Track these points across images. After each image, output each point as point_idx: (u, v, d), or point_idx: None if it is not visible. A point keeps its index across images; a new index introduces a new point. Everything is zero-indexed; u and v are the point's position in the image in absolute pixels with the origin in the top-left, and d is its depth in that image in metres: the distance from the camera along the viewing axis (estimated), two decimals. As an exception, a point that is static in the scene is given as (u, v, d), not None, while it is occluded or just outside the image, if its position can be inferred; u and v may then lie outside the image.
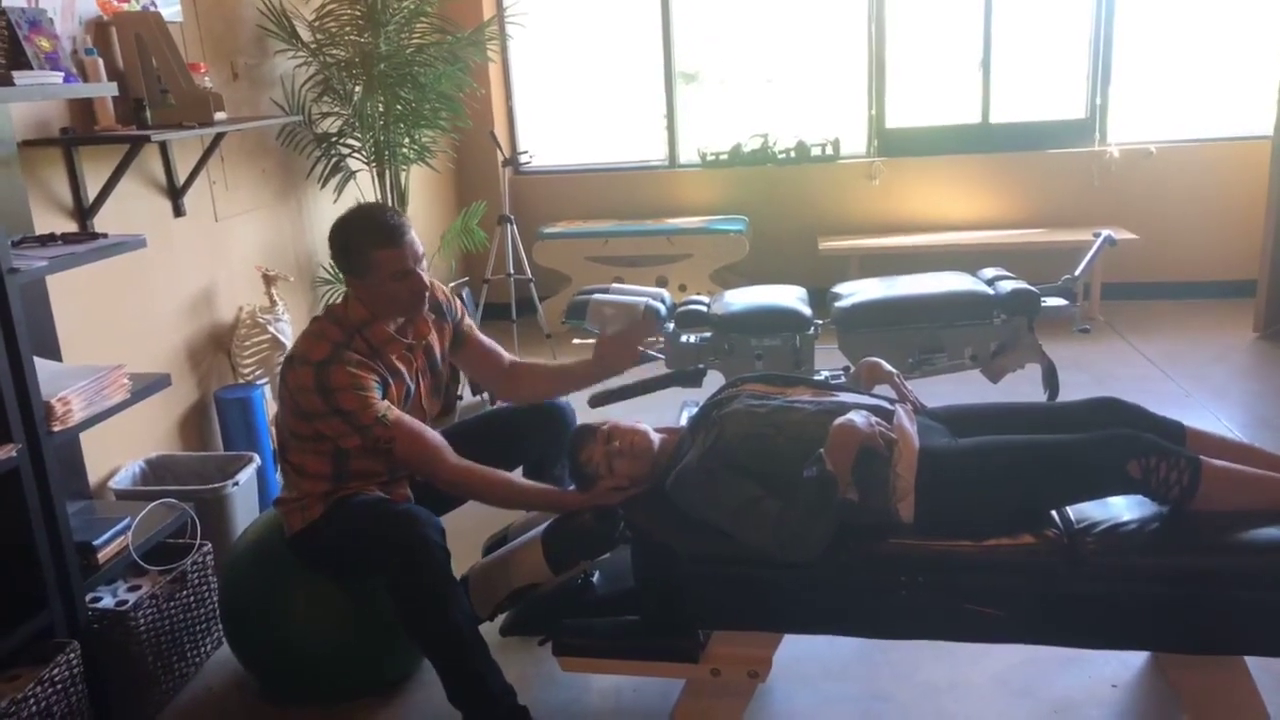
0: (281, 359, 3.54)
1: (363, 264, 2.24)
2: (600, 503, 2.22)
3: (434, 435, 2.29)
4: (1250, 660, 2.01)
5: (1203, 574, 1.89)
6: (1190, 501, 1.92)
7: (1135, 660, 2.39)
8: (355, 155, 4.23)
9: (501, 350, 2.64)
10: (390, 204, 4.20)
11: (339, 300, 2.38)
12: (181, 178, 3.31)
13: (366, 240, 2.23)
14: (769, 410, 2.12)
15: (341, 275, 2.32)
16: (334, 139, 4.17)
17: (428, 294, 2.32)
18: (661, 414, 2.36)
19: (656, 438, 2.27)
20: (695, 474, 2.05)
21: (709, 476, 2.03)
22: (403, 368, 2.34)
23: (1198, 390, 4.14)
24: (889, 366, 2.40)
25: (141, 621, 2.39)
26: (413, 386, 2.37)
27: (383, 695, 2.45)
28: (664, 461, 2.23)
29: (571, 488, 2.37)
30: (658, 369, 3.51)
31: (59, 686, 2.13)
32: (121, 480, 2.92)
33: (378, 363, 2.27)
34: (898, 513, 2.00)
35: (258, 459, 3.12)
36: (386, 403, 2.23)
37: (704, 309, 3.54)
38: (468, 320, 2.60)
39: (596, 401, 2.83)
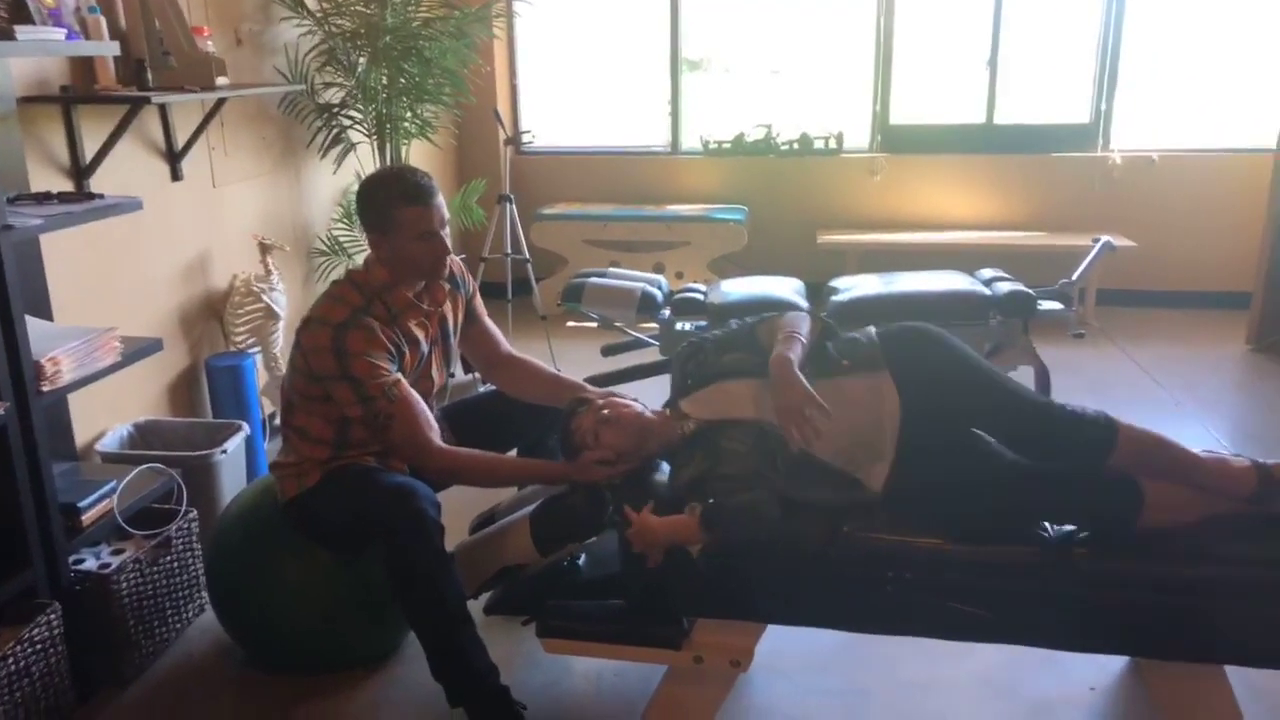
0: (274, 328, 3.54)
1: (388, 221, 2.23)
2: (585, 476, 2.21)
3: (430, 422, 2.26)
4: (1229, 670, 2.02)
5: (1187, 582, 1.90)
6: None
7: (1115, 664, 2.40)
8: (356, 127, 4.20)
9: (501, 338, 2.63)
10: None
11: (357, 268, 2.36)
12: (180, 141, 3.28)
13: (394, 197, 2.23)
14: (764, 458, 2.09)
15: (365, 233, 2.32)
16: (336, 110, 4.14)
17: (449, 255, 2.32)
18: (656, 401, 2.36)
19: (648, 414, 2.25)
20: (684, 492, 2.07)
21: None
22: (419, 334, 2.34)
23: (1188, 400, 4.16)
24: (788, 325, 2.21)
25: (124, 585, 2.38)
26: (426, 353, 2.37)
27: (366, 668, 2.45)
28: (653, 446, 2.22)
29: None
30: (652, 355, 3.52)
31: (38, 647, 2.13)
32: (109, 443, 2.91)
33: (395, 329, 2.26)
34: (866, 481, 2.04)
35: (247, 428, 3.11)
36: (397, 376, 2.21)
37: (700, 297, 3.54)
38: (478, 298, 2.59)
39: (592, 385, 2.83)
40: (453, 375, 4.43)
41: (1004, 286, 3.40)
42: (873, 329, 2.24)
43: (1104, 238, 3.76)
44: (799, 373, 2.02)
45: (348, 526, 2.26)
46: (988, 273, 3.58)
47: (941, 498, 2.03)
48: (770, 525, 1.95)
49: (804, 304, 3.47)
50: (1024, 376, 3.37)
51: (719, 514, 1.94)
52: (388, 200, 2.24)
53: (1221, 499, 2.01)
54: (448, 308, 2.44)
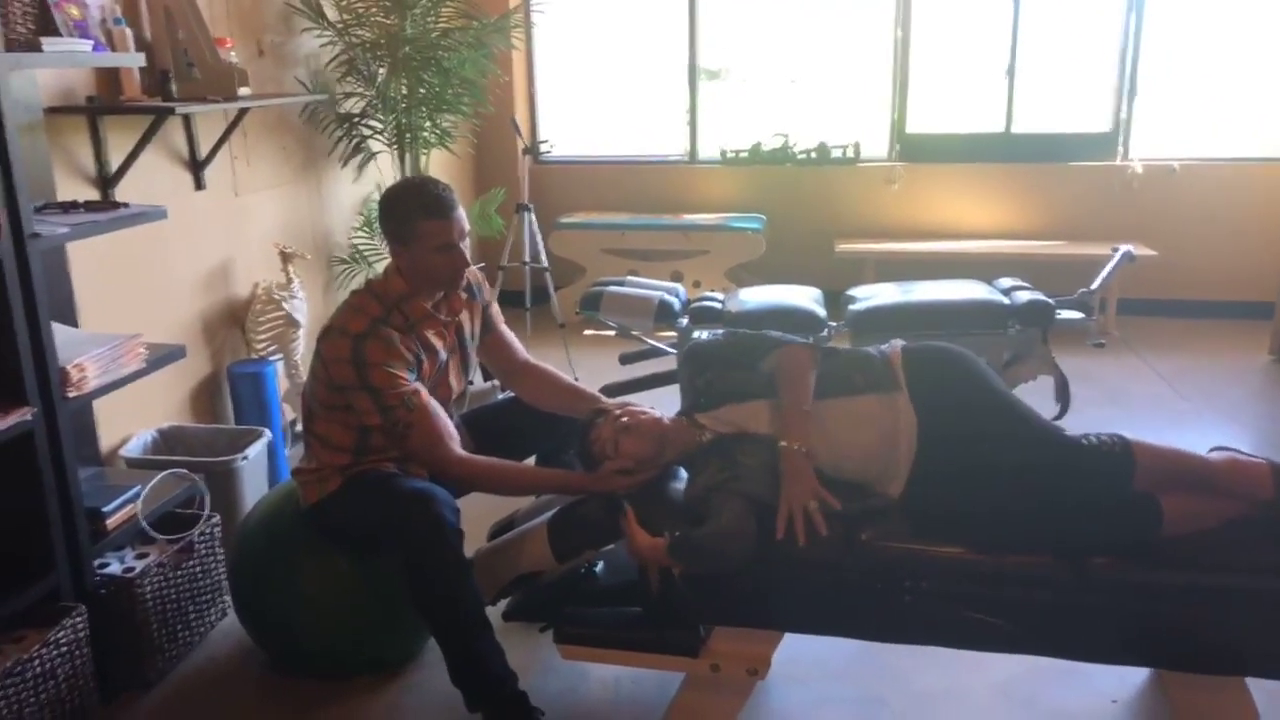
0: (295, 336, 3.57)
1: (408, 232, 2.26)
2: (606, 486, 2.22)
3: (449, 431, 2.28)
4: (1250, 682, 2.00)
5: (1208, 593, 1.89)
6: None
7: (1136, 676, 2.38)
8: (377, 137, 4.24)
9: (519, 345, 2.65)
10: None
11: (376, 277, 2.39)
12: (204, 151, 3.32)
13: (415, 210, 2.26)
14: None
15: (385, 242, 2.35)
16: (356, 119, 4.18)
17: (468, 268, 2.34)
18: (673, 409, 2.37)
19: (666, 420, 2.26)
20: (699, 501, 2.09)
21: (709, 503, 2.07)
22: (437, 343, 2.36)
23: (1209, 410, 4.12)
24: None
25: (148, 589, 2.41)
26: (444, 361, 2.39)
27: (386, 673, 2.46)
28: (671, 454, 2.23)
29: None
30: (670, 363, 3.52)
31: (64, 649, 2.15)
32: (133, 449, 2.94)
33: (413, 338, 2.29)
34: (886, 491, 2.08)
35: (268, 434, 3.13)
36: (416, 386, 2.23)
37: (718, 306, 3.55)
38: (495, 306, 2.61)
39: (608, 393, 2.84)
40: (471, 383, 4.45)
41: (1023, 295, 3.39)
42: (899, 343, 2.23)
43: (1124, 247, 3.74)
44: (811, 468, 2.04)
45: (368, 531, 2.27)
46: (1007, 282, 3.56)
47: (956, 520, 2.03)
48: (735, 561, 1.96)
49: (822, 312, 3.47)
50: (1043, 386, 3.37)
51: (683, 548, 1.98)
52: (409, 212, 2.26)
53: (1240, 502, 1.99)
54: (465, 316, 2.46)
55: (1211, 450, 2.11)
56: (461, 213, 2.30)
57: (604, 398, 2.55)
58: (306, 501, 2.34)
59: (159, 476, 2.59)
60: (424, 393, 2.25)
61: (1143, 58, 5.38)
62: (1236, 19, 5.45)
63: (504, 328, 2.63)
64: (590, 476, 2.27)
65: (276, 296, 3.54)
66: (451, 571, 2.13)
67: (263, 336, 3.53)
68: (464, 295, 2.45)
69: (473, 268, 2.51)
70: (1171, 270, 5.31)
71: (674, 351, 3.61)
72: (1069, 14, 5.49)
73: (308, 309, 3.67)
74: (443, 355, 2.38)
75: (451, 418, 2.43)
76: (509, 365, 2.63)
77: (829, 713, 2.31)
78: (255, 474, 3.05)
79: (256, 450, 3.04)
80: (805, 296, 3.60)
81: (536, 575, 2.26)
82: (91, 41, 2.52)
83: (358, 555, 2.35)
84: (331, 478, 2.30)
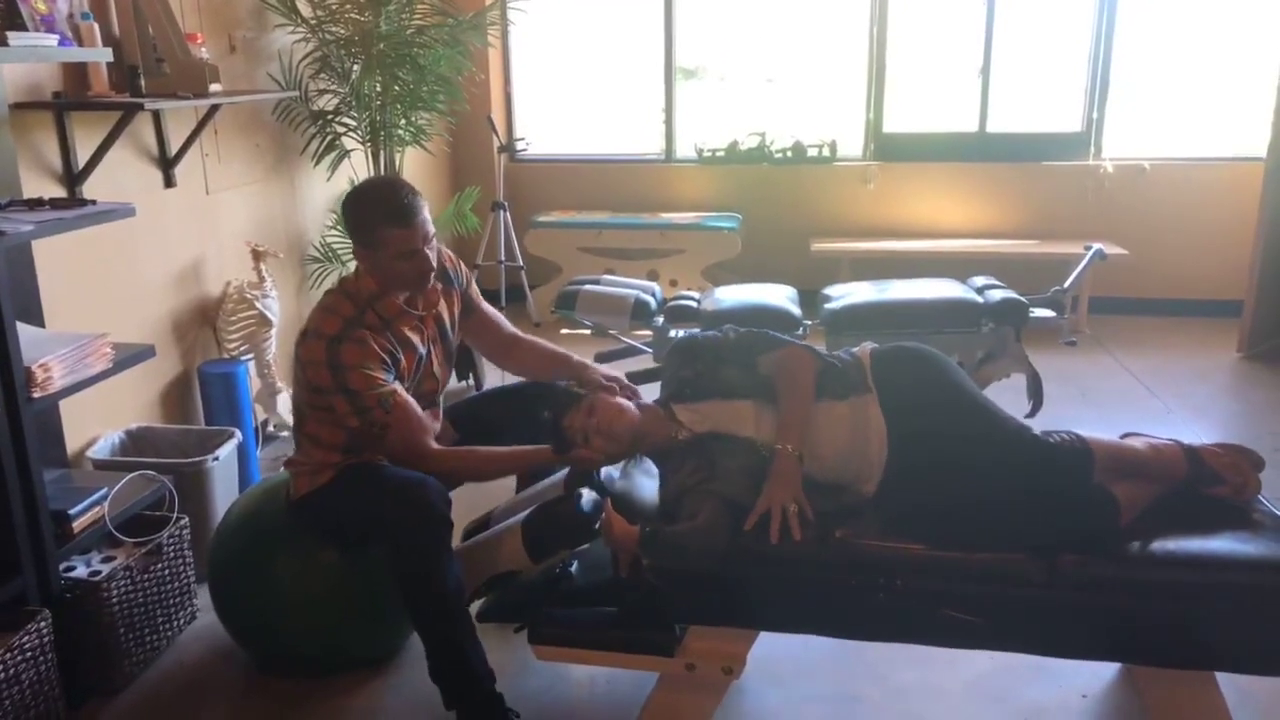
0: (267, 335, 3.53)
1: (372, 238, 2.25)
2: (580, 458, 2.25)
3: (424, 428, 2.28)
4: (1219, 675, 2.02)
5: (1177, 588, 1.91)
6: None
7: (1107, 671, 2.40)
8: (350, 134, 4.21)
9: (504, 320, 2.67)
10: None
11: (348, 275, 2.38)
12: (174, 148, 3.28)
13: (379, 217, 2.24)
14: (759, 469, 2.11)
15: (350, 244, 2.34)
16: (330, 117, 4.15)
17: (433, 271, 2.33)
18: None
19: (638, 416, 2.25)
20: (674, 501, 2.11)
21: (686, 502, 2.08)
22: (414, 338, 2.35)
23: (1179, 407, 4.17)
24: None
25: (114, 593, 2.37)
26: (424, 354, 2.38)
27: (363, 672, 2.45)
28: (647, 443, 2.23)
29: None
30: (646, 362, 3.52)
31: (28, 654, 2.12)
32: (100, 450, 2.90)
33: (389, 335, 2.28)
34: (862, 490, 2.10)
35: (239, 434, 3.10)
36: (393, 387, 2.22)
37: (694, 305, 3.55)
38: (474, 287, 2.61)
39: (601, 360, 2.84)
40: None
41: (996, 294, 3.41)
42: (869, 345, 2.25)
43: (1095, 245, 3.78)
44: (800, 474, 2.05)
45: (358, 521, 2.27)
46: (980, 280, 3.59)
47: (930, 519, 2.04)
48: (706, 561, 1.97)
49: (797, 311, 3.48)
50: (1016, 383, 3.40)
51: (655, 542, 1.98)
52: (371, 218, 2.25)
53: (1161, 484, 2.11)
54: (443, 306, 2.45)
55: (1123, 436, 2.21)
56: (426, 216, 2.28)
57: (591, 364, 2.58)
58: (297, 492, 2.33)
59: (126, 478, 2.55)
60: (401, 392, 2.24)
61: (1114, 58, 5.44)
62: (1206, 20, 5.52)
63: (485, 306, 2.64)
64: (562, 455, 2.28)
65: (248, 295, 3.50)
66: (439, 559, 2.13)
67: (234, 336, 3.49)
68: (440, 285, 2.44)
69: (449, 253, 2.51)
70: (1142, 269, 5.37)
71: (650, 350, 3.61)
72: (1041, 15, 5.54)
73: (280, 308, 3.63)
74: (421, 350, 2.37)
75: (439, 407, 2.46)
76: (497, 341, 2.65)
77: (804, 710, 2.32)
78: (226, 475, 3.02)
79: (227, 451, 3.00)
80: (781, 295, 3.61)
81: (512, 575, 2.25)
82: (58, 36, 2.48)
83: (343, 549, 2.34)
84: (324, 471, 2.30)
